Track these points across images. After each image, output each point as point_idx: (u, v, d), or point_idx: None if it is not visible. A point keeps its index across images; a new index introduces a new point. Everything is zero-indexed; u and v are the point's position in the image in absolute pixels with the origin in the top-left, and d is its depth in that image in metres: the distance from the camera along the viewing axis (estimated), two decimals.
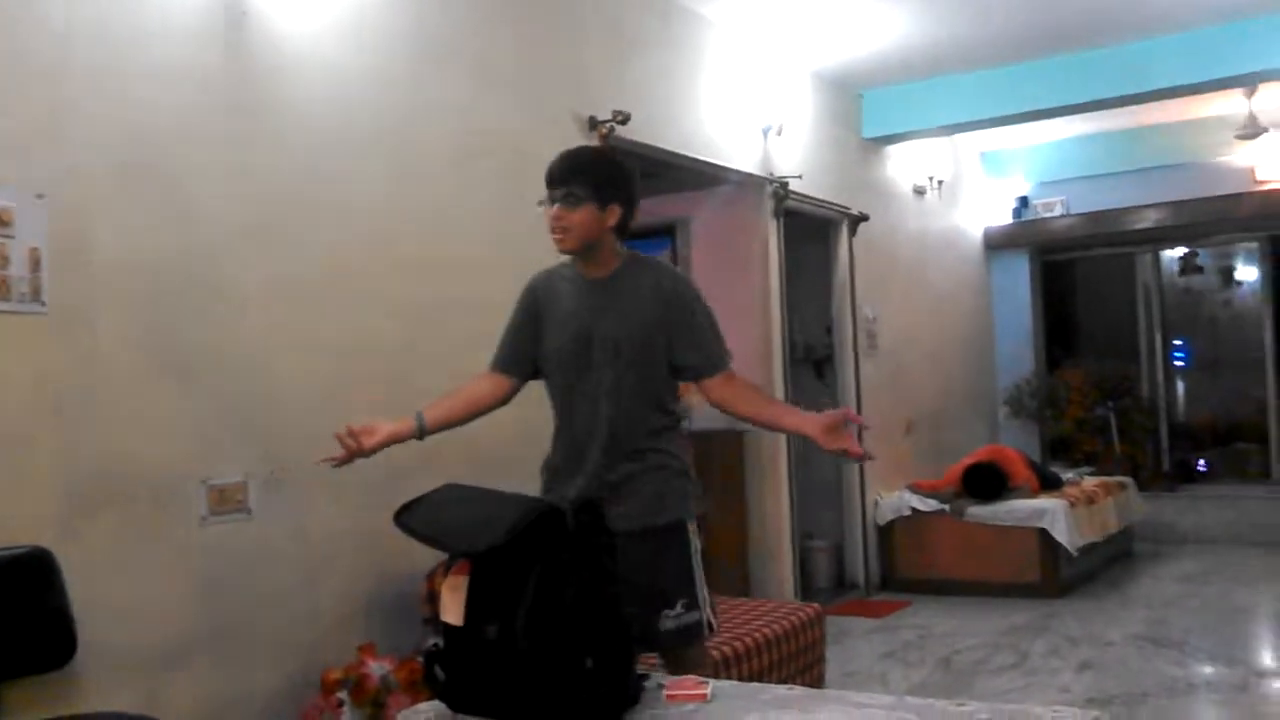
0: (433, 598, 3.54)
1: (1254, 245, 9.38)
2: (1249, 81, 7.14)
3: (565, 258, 3.18)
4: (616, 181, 3.10)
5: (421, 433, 3.18)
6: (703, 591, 3.12)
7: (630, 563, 3.02)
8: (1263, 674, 5.21)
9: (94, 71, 3.21)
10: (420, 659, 2.65)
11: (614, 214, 3.07)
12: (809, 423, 2.97)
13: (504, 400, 3.32)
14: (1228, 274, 10.11)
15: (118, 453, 3.19)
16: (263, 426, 3.60)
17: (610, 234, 3.10)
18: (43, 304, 3.04)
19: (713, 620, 3.15)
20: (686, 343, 3.09)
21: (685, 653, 3.12)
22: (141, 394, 3.27)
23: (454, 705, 2.58)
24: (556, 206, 3.07)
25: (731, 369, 3.14)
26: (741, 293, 6.38)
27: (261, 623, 3.55)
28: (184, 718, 3.12)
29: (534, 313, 3.24)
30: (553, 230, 3.10)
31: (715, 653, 3.88)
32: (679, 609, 3.07)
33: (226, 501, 3.45)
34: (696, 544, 3.14)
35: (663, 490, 3.12)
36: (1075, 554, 7.00)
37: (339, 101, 3.93)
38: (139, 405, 3.26)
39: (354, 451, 3.05)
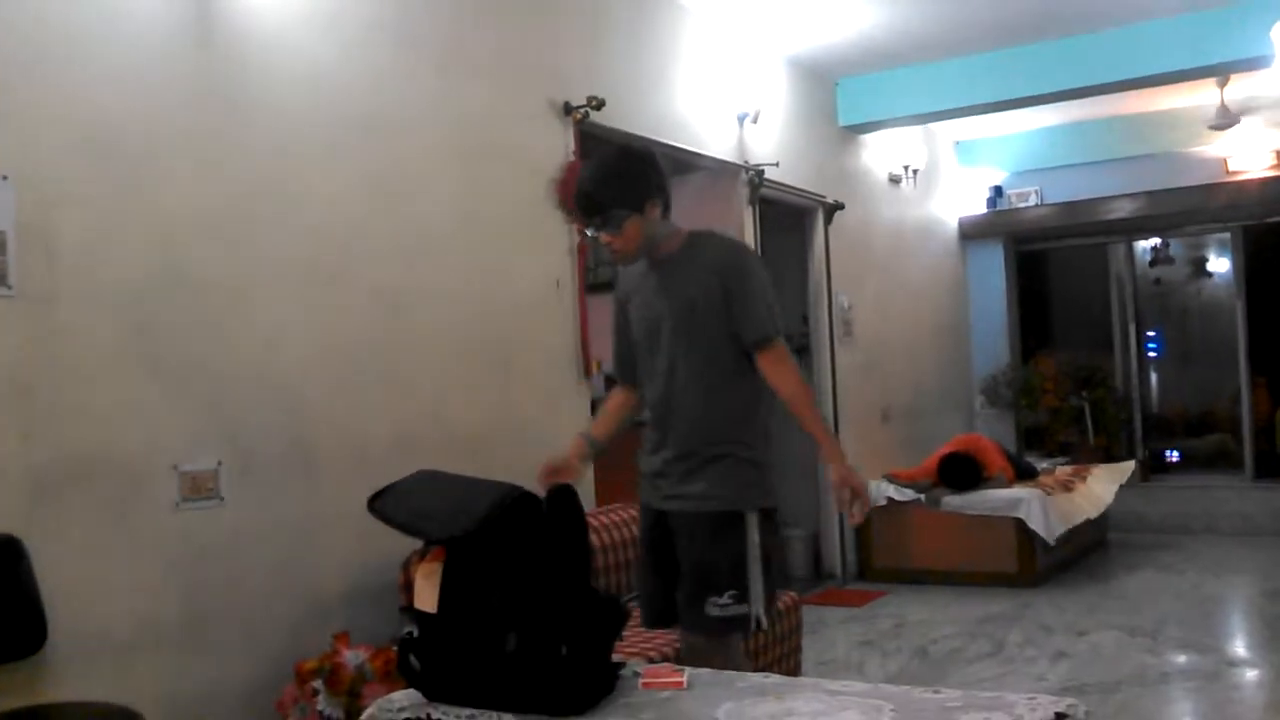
0: (410, 587, 3.51)
1: (1226, 236, 9.42)
2: (1221, 71, 7.18)
3: None
4: (643, 181, 3.12)
5: (595, 450, 3.36)
6: (756, 586, 3.10)
7: (685, 545, 3.16)
8: (1234, 663, 5.24)
9: (62, 56, 3.16)
10: (395, 648, 2.62)
11: (654, 208, 3.12)
12: (834, 462, 3.10)
13: (641, 405, 3.40)
14: (1200, 265, 10.17)
15: (87, 438, 3.15)
16: (235, 413, 3.56)
17: (661, 223, 3.15)
18: (9, 287, 3.00)
19: (763, 618, 3.12)
20: (736, 311, 3.10)
21: (726, 639, 3.12)
22: (111, 379, 3.23)
23: (429, 693, 2.56)
24: (603, 235, 3.13)
25: (780, 346, 3.14)
26: None
27: (235, 611, 3.51)
28: (157, 706, 3.08)
29: (624, 315, 3.34)
30: (609, 255, 3.22)
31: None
32: (726, 599, 3.07)
33: (199, 488, 3.41)
34: (756, 537, 3.11)
35: (724, 477, 3.13)
36: (1052, 543, 7.02)
37: (310, 88, 3.88)
38: (109, 390, 3.22)
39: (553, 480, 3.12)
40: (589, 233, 3.17)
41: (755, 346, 3.12)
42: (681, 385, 3.14)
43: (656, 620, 3.32)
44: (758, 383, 3.16)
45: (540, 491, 3.03)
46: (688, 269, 3.14)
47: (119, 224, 3.28)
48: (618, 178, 3.11)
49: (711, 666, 2.97)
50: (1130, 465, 8.52)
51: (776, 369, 3.12)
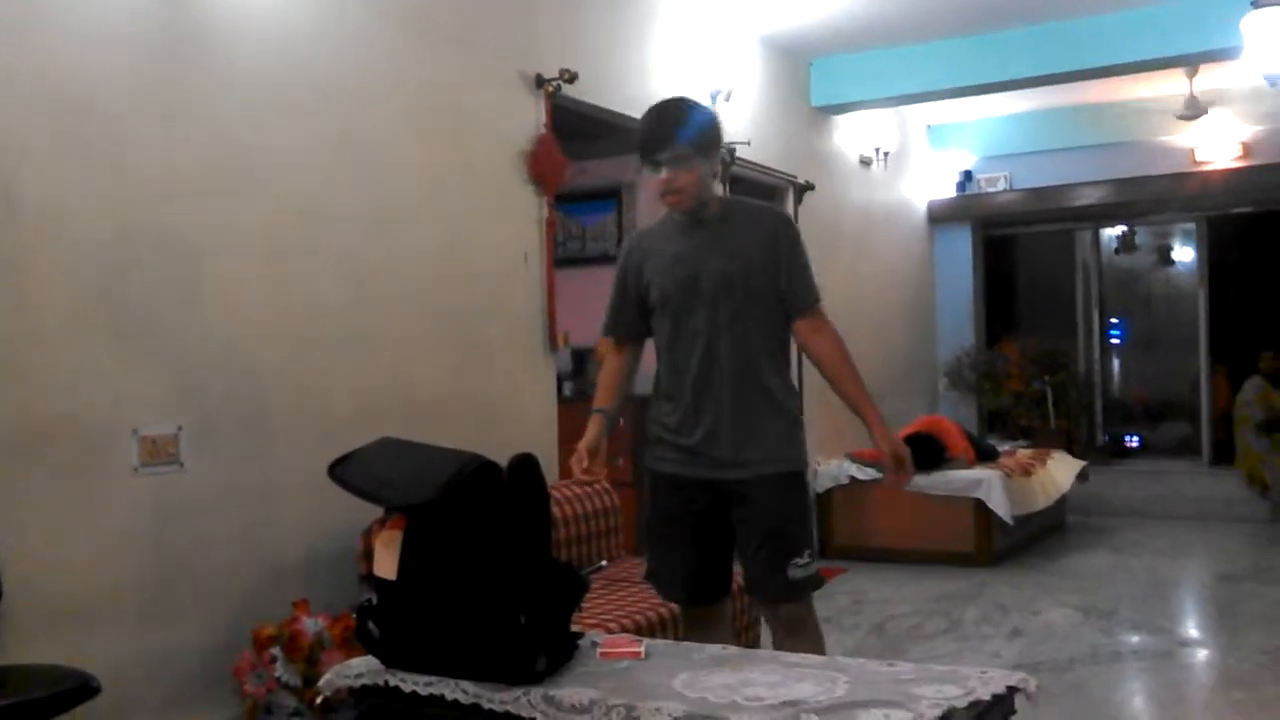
0: (370, 555, 3.51)
1: (1191, 226, 9.52)
2: (1190, 62, 7.23)
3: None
4: (712, 130, 3.12)
5: (611, 424, 3.26)
6: (816, 542, 3.17)
7: (756, 511, 3.08)
8: (1186, 643, 5.33)
9: (28, 13, 3.12)
10: (354, 615, 2.63)
11: (717, 160, 3.14)
12: (885, 439, 3.06)
13: (637, 362, 3.35)
14: (1165, 254, 10.27)
15: (47, 400, 3.13)
16: (197, 377, 3.54)
17: (712, 183, 3.14)
18: None
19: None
20: (785, 275, 3.10)
21: (801, 607, 3.13)
22: (71, 342, 3.20)
23: (387, 660, 2.57)
24: (666, 170, 3.05)
25: (820, 314, 3.16)
26: None
27: (193, 577, 3.50)
28: (113, 671, 3.06)
29: (636, 272, 3.23)
30: (665, 195, 3.09)
31: (652, 614, 3.89)
32: (806, 557, 3.08)
33: (159, 452, 3.39)
34: (810, 495, 3.15)
35: (788, 436, 3.13)
36: (1011, 523, 7.10)
37: (279, 52, 3.85)
38: (69, 353, 3.19)
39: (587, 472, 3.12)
40: (647, 170, 3.08)
41: (804, 311, 3.13)
42: (730, 346, 3.07)
43: (695, 595, 3.25)
44: (789, 343, 3.20)
45: (577, 475, 3.10)
46: (739, 228, 3.11)
47: (83, 185, 3.25)
48: (692, 118, 3.08)
49: (808, 630, 3.10)
50: (1080, 464, 8.61)
51: (823, 333, 3.14)
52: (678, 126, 3.04)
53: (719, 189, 3.23)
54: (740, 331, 3.07)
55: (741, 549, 3.14)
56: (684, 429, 3.12)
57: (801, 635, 3.09)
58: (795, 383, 3.25)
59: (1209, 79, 7.93)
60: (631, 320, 3.27)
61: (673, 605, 3.98)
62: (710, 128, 3.11)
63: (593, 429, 3.17)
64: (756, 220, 3.16)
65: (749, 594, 3.38)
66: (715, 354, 3.07)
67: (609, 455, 3.23)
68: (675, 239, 3.16)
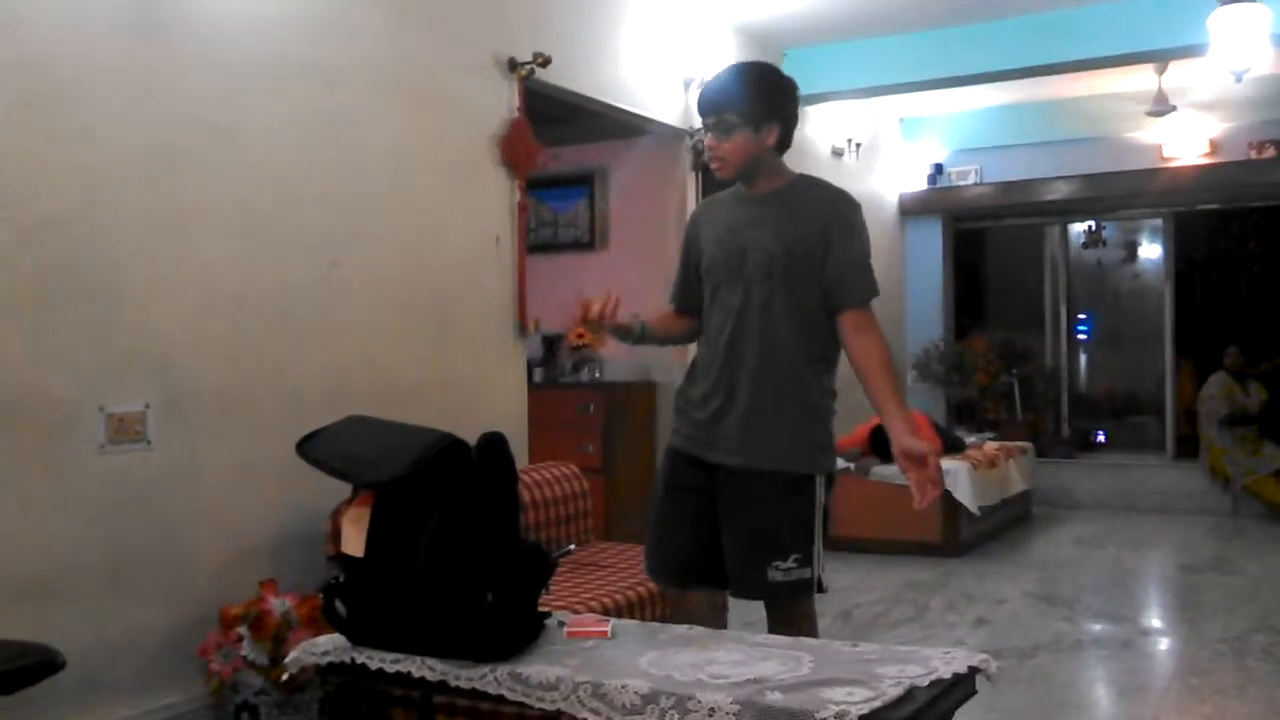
0: (338, 535, 3.51)
1: (1158, 222, 9.61)
2: (1159, 58, 7.29)
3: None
4: (772, 99, 2.98)
5: (639, 336, 3.10)
6: (819, 548, 2.98)
7: (748, 502, 2.93)
8: (1147, 632, 5.40)
9: None
10: (321, 593, 2.62)
11: (772, 133, 2.97)
12: (899, 435, 2.81)
13: (694, 334, 3.20)
14: (1132, 249, 10.36)
15: (10, 377, 3.11)
16: (164, 355, 3.52)
17: (771, 153, 3.00)
18: None
19: (823, 579, 3.01)
20: (834, 264, 2.92)
21: (791, 608, 3.00)
22: (36, 318, 3.17)
23: (354, 638, 2.57)
24: (709, 136, 2.98)
25: (867, 312, 2.95)
26: (659, 246, 6.37)
27: (160, 556, 3.49)
28: (78, 649, 3.05)
29: (695, 239, 3.13)
30: (710, 161, 3.03)
31: (620, 597, 3.91)
32: (791, 562, 2.93)
33: (125, 430, 3.37)
34: (822, 498, 2.99)
35: (800, 433, 2.96)
36: (977, 514, 7.16)
37: (249, 29, 3.82)
38: (33, 329, 3.17)
39: (596, 314, 2.95)
40: (693, 137, 3.03)
41: (848, 305, 2.93)
42: (761, 330, 2.93)
43: (683, 576, 3.09)
44: (835, 339, 3.00)
45: (577, 315, 2.98)
46: (793, 208, 2.96)
47: (47, 158, 3.22)
48: (747, 84, 2.97)
49: (800, 634, 2.87)
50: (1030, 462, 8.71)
51: (867, 334, 2.93)
52: (727, 92, 2.95)
53: (778, 163, 3.03)
54: (775, 316, 2.93)
55: (725, 541, 2.99)
56: (700, 404, 3.01)
57: (791, 629, 2.95)
58: (833, 375, 3.07)
59: (1178, 76, 8.00)
60: (692, 290, 3.14)
61: (642, 589, 4.01)
62: (766, 99, 2.95)
63: (623, 316, 3.04)
64: (817, 202, 2.98)
65: (729, 591, 3.21)
66: (745, 334, 2.93)
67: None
68: (734, 209, 3.06)
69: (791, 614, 3.01)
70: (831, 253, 2.92)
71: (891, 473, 7.26)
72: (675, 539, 3.06)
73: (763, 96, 2.96)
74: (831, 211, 2.97)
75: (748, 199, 3.05)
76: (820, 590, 3.01)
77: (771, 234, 2.94)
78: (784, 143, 3.02)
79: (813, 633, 3.02)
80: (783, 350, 2.94)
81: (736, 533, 2.96)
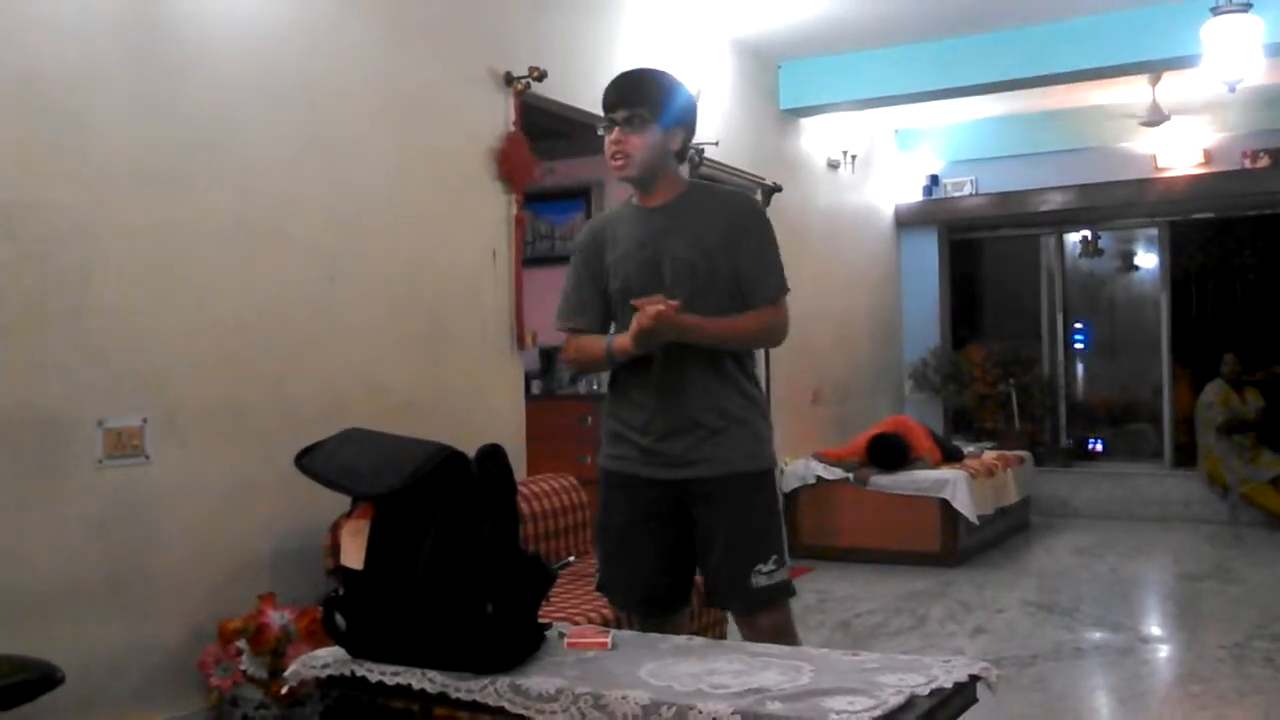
0: (337, 549, 3.51)
1: (1154, 232, 9.63)
2: (1155, 69, 7.33)
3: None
4: (683, 105, 2.97)
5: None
6: (786, 548, 2.97)
7: (720, 512, 2.90)
8: (1146, 639, 5.39)
9: None
10: (320, 607, 2.62)
11: (677, 138, 2.97)
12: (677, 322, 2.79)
13: None
14: (1128, 259, 10.38)
15: (8, 392, 3.11)
16: (163, 369, 3.52)
17: (673, 159, 2.99)
18: None
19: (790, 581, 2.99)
20: (747, 264, 2.94)
21: (774, 617, 2.95)
22: (35, 332, 3.18)
23: (354, 650, 2.57)
24: (616, 130, 2.93)
25: (778, 307, 2.99)
26: None
27: (159, 570, 3.49)
28: (78, 664, 3.04)
29: (595, 259, 3.05)
30: (612, 157, 2.96)
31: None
32: (771, 564, 2.91)
33: (123, 444, 3.37)
34: (780, 496, 2.96)
35: (753, 433, 2.97)
36: (976, 523, 7.16)
37: (247, 44, 3.84)
38: (32, 344, 3.17)
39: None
40: (601, 130, 2.95)
41: (761, 301, 2.96)
42: None
43: (651, 604, 3.06)
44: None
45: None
46: (700, 214, 2.95)
47: (46, 173, 3.23)
48: (662, 86, 2.96)
49: (787, 641, 2.86)
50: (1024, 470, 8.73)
51: (767, 315, 2.97)
52: (642, 89, 2.94)
53: (677, 171, 3.03)
54: None
55: (701, 556, 2.96)
56: (643, 425, 2.95)
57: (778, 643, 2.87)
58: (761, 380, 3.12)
59: (1172, 86, 8.04)
60: (593, 309, 3.06)
61: None
62: (677, 101, 2.96)
63: (616, 334, 2.98)
64: (722, 205, 3.00)
65: (710, 605, 3.21)
66: (679, 345, 2.88)
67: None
68: (637, 223, 3.00)
69: (773, 626, 2.95)
70: (742, 256, 2.94)
71: (888, 483, 7.30)
72: (640, 566, 3.02)
73: (675, 100, 2.97)
74: (737, 215, 2.99)
75: (650, 211, 3.00)
76: (792, 594, 3.01)
77: (684, 242, 2.93)
78: (682, 153, 3.03)
79: (793, 640, 2.98)
80: (718, 355, 2.94)
81: (714, 544, 2.94)
